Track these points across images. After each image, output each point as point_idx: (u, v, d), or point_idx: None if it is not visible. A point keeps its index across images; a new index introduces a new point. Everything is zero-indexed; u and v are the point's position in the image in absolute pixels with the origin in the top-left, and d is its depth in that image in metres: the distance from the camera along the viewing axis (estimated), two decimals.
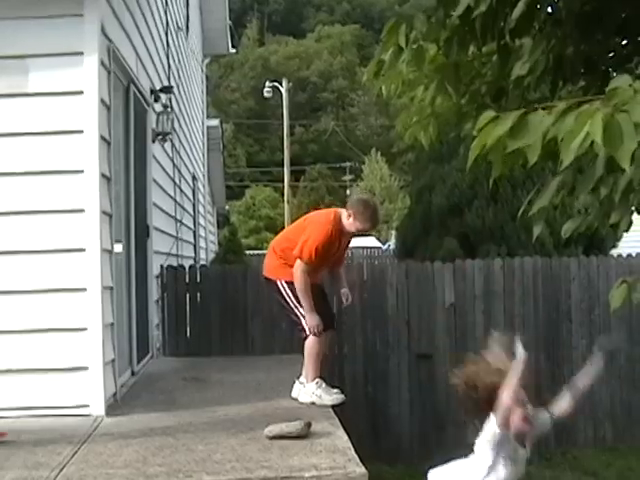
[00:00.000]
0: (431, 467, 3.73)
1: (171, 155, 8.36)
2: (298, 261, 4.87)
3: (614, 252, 10.14)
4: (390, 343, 7.49)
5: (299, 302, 4.94)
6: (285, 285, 5.02)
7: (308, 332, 4.91)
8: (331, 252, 5.01)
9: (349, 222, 4.97)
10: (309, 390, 4.87)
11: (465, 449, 7.44)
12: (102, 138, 4.59)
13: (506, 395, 2.77)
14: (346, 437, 3.87)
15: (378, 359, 7.46)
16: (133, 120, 5.79)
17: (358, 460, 3.42)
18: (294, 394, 4.95)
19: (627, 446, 7.74)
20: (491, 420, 2.94)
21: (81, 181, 4.50)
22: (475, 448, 3.08)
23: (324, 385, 4.90)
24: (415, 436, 7.40)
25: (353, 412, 7.11)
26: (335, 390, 4.92)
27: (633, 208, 2.94)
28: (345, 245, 5.24)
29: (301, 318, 4.96)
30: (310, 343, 4.93)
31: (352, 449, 3.61)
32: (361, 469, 3.30)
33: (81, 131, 4.51)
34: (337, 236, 4.99)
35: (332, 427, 4.11)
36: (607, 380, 7.90)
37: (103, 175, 4.59)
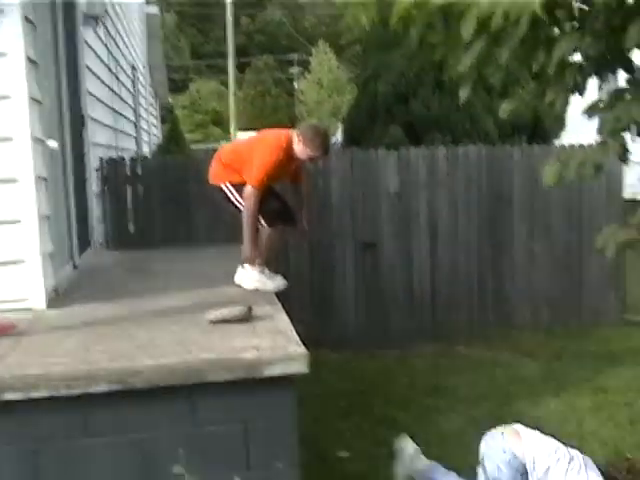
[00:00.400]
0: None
1: (105, 41, 8.03)
2: (249, 187, 4.82)
3: (557, 142, 10.25)
4: (335, 232, 7.52)
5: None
6: (230, 187, 4.99)
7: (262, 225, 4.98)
8: (282, 173, 5.01)
9: (299, 148, 4.91)
10: (252, 276, 4.89)
11: (410, 336, 7.68)
12: (25, 18, 4.31)
13: None
14: (288, 320, 3.90)
15: (323, 248, 7.51)
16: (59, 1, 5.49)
17: (299, 340, 3.46)
18: (237, 280, 4.96)
19: (562, 328, 8.04)
20: None
21: (3, 65, 4.25)
22: None
23: (267, 271, 4.92)
24: (360, 323, 7.55)
25: (298, 301, 7.21)
26: (279, 276, 4.95)
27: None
28: (299, 165, 5.19)
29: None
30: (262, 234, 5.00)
31: (293, 331, 3.65)
32: (301, 349, 3.33)
33: None
34: (287, 160, 4.93)
35: (274, 311, 4.14)
36: (546, 268, 8.14)
37: (29, 59, 4.35)
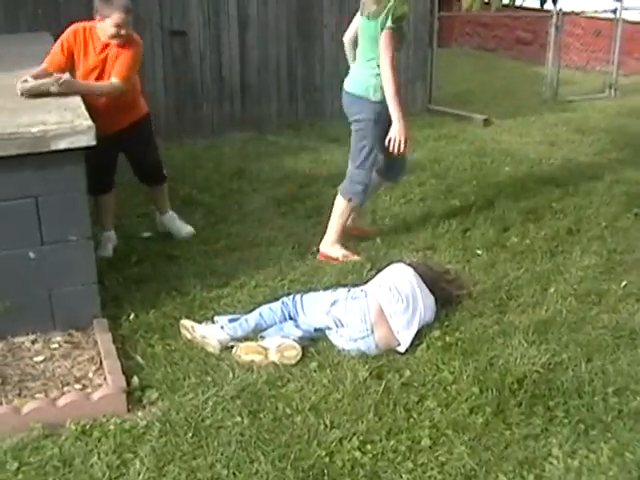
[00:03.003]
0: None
1: None
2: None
3: None
4: (141, 20, 7.20)
5: None
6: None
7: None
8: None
9: (102, 25, 4.24)
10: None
11: (220, 125, 7.68)
12: None
13: None
14: (79, 98, 3.83)
15: None
16: None
17: (87, 115, 3.45)
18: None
19: None
20: None
21: None
22: None
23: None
24: (171, 112, 7.49)
25: None
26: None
27: None
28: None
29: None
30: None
31: (83, 107, 3.62)
32: (88, 122, 3.35)
33: None
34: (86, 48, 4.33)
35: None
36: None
37: None
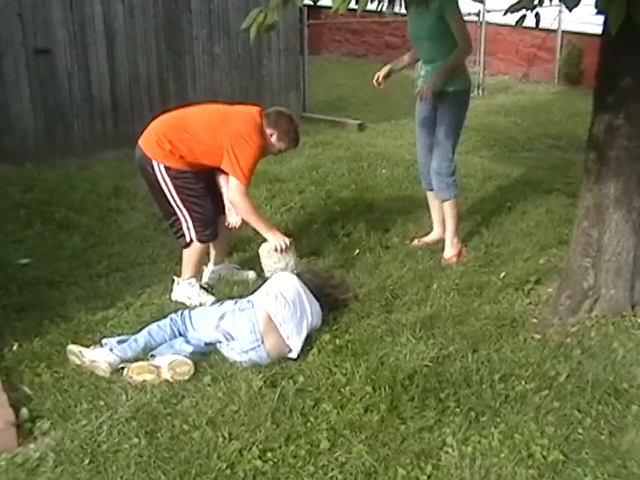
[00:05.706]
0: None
1: None
2: (237, 184, 4.13)
3: None
4: (3, 39, 6.95)
5: (183, 199, 4.17)
6: (163, 171, 4.14)
7: (191, 239, 4.28)
8: None
9: (272, 141, 4.31)
10: (181, 290, 4.33)
11: (93, 144, 7.51)
12: None
13: None
14: None
15: None
16: None
17: None
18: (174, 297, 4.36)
19: None
20: None
21: None
22: None
23: (197, 286, 4.36)
24: (40, 133, 7.24)
25: None
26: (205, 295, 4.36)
27: None
28: None
29: (182, 221, 4.23)
30: (193, 248, 4.32)
31: None
32: None
33: None
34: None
35: None
36: (227, 70, 8.34)
37: None
